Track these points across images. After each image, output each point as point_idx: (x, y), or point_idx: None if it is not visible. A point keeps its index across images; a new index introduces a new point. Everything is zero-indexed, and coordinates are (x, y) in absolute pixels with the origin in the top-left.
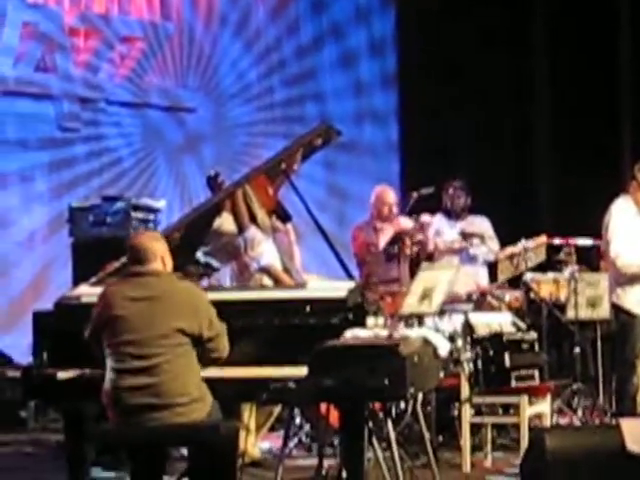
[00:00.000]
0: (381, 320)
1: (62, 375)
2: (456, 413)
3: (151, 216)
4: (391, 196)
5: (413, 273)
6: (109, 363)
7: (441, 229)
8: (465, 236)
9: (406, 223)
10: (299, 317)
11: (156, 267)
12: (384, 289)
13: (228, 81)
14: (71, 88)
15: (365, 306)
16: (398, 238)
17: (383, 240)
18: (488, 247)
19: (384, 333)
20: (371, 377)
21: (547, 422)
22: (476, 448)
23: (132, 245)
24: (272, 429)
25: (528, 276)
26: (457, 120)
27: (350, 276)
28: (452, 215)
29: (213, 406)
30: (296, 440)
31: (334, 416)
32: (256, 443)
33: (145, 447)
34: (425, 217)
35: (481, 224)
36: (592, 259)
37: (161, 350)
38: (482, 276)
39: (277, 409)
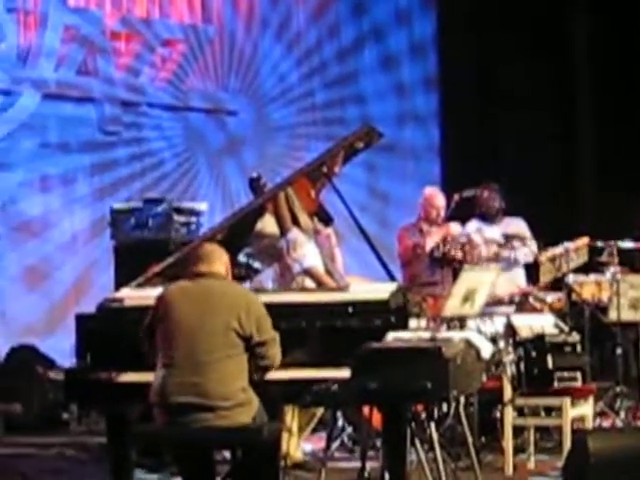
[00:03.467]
0: (423, 322)
1: (105, 377)
2: (498, 415)
3: (193, 219)
4: (440, 199)
5: (456, 277)
6: (160, 360)
7: (481, 228)
8: (507, 238)
9: (456, 229)
10: (341, 319)
11: (220, 269)
12: (427, 291)
13: (269, 84)
14: (112, 91)
15: (407, 308)
16: (445, 242)
17: (430, 243)
18: (529, 248)
19: (427, 335)
20: (414, 379)
21: (589, 424)
22: (519, 450)
23: (200, 246)
24: (315, 431)
25: (570, 278)
26: (498, 122)
27: (392, 278)
28: (487, 219)
29: (259, 410)
30: (338, 442)
31: (377, 418)
32: (299, 445)
33: (188, 449)
34: (469, 230)
35: (518, 226)
36: (634, 260)
37: (210, 347)
38: (520, 278)
39: (320, 411)
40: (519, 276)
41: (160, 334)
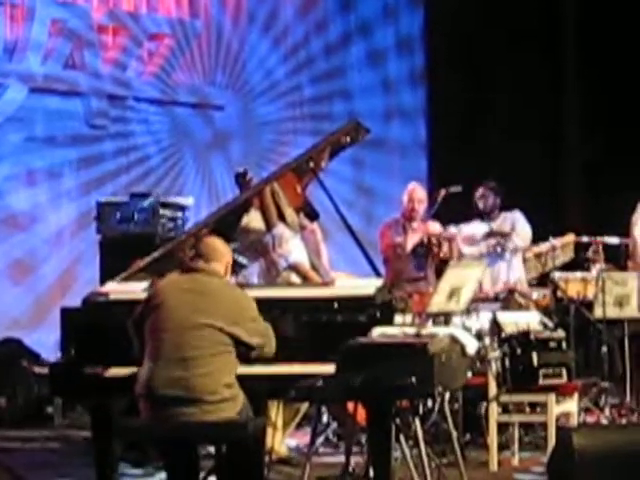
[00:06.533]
0: (409, 318)
1: (90, 372)
2: (483, 411)
3: (179, 213)
4: (418, 193)
5: (440, 274)
6: (147, 351)
7: (460, 226)
8: (490, 235)
9: (434, 228)
10: (327, 315)
11: (218, 268)
12: (411, 287)
13: (256, 78)
14: (99, 85)
15: (393, 304)
16: (426, 242)
17: (409, 244)
18: (512, 243)
19: (412, 331)
20: (398, 375)
21: (574, 421)
22: (503, 447)
23: (203, 241)
24: (299, 426)
25: (556, 274)
26: (485, 118)
27: (378, 274)
28: (484, 216)
29: (244, 406)
30: (323, 438)
31: (361, 414)
32: (283, 440)
33: (173, 444)
34: (451, 229)
35: (512, 218)
36: (620, 257)
37: (198, 343)
38: (517, 268)
39: (304, 406)
40: (516, 266)
41: (149, 325)
